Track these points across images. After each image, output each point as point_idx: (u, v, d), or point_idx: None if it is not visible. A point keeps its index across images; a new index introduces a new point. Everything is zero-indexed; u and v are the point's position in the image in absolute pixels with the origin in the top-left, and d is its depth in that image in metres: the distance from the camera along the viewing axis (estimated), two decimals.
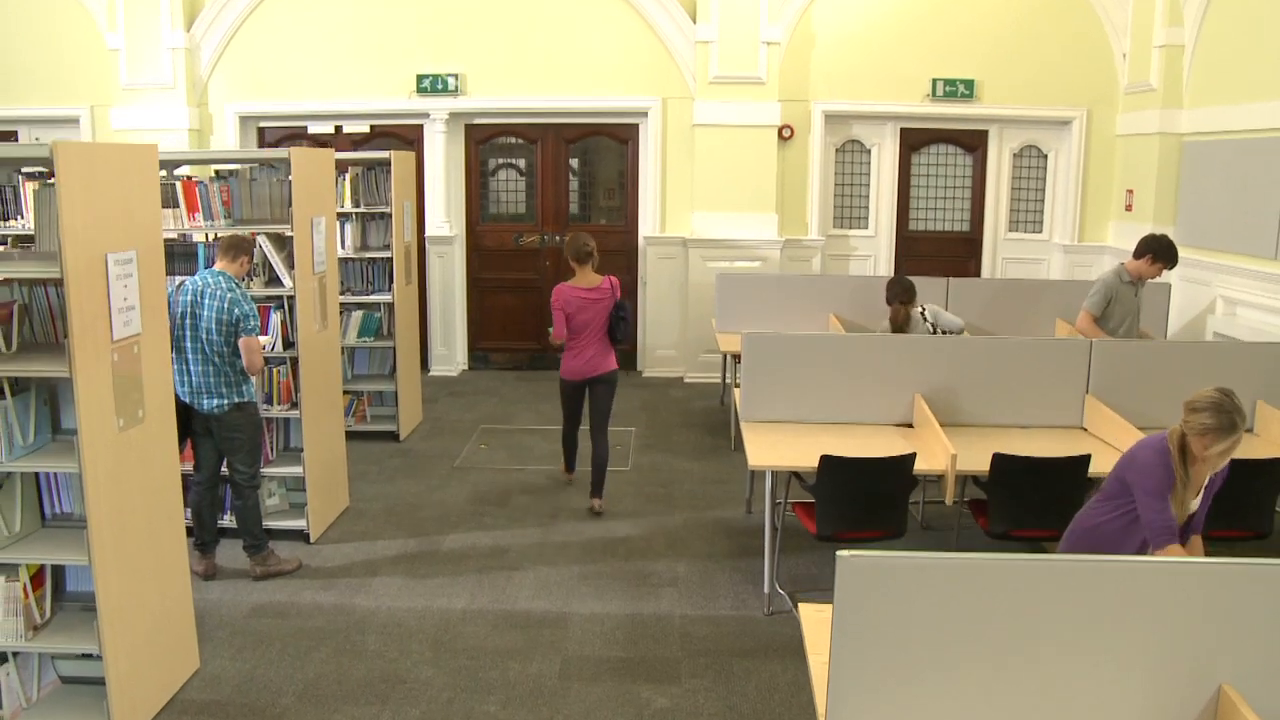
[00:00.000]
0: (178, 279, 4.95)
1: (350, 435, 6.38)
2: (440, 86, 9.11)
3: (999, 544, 4.63)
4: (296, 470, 5.40)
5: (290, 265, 5.27)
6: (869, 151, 9.47)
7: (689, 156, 9.11)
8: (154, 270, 3.70)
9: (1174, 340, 5.74)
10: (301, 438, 5.38)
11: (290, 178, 5.21)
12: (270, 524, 5.30)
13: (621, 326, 5.78)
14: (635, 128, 9.37)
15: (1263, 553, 4.83)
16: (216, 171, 7.28)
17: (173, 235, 5.26)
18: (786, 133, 9.15)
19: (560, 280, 5.98)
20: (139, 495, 3.65)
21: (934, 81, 9.09)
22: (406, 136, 9.49)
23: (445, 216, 9.36)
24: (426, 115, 9.23)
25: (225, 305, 4.62)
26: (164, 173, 5.53)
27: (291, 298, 5.26)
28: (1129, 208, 8.90)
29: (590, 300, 5.73)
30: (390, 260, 7.22)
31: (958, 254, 9.62)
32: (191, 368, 4.68)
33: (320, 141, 9.55)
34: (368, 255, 7.27)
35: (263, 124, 9.47)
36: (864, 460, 4.37)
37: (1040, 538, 4.60)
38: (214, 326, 4.62)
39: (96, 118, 9.31)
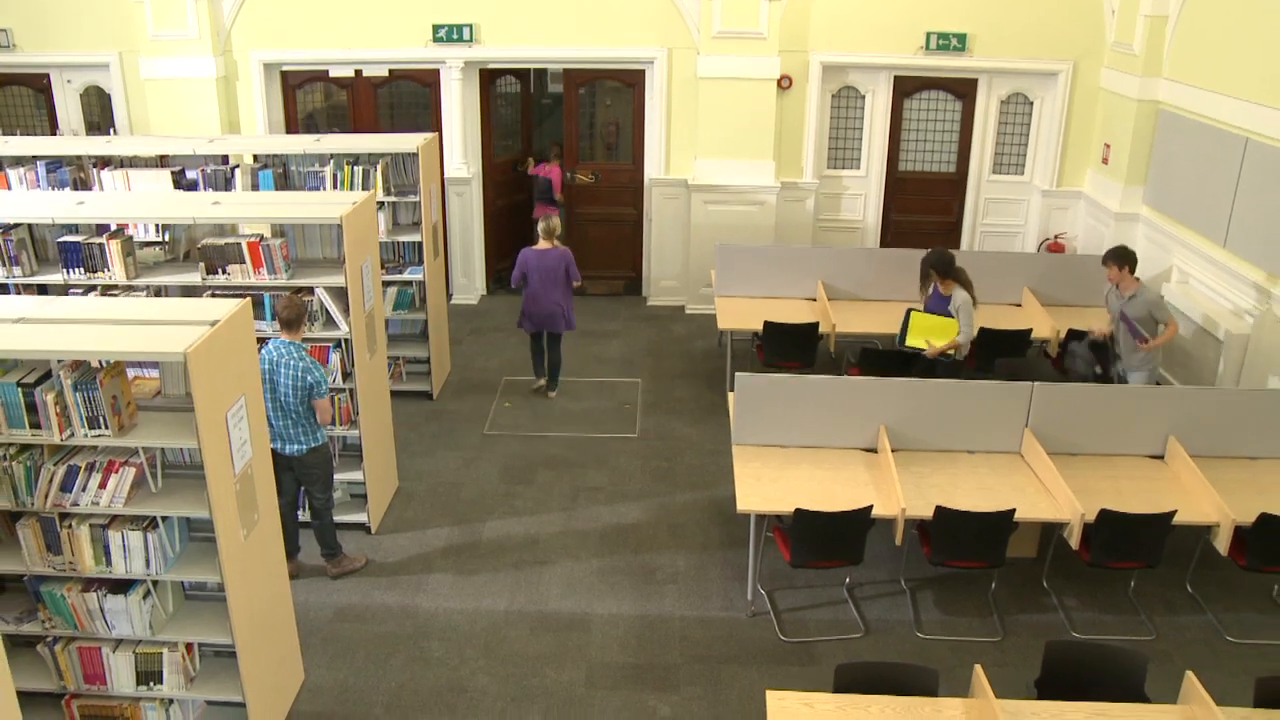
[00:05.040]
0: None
1: (390, 395, 7.22)
2: (455, 36, 9.50)
3: (938, 573, 5.75)
4: (357, 475, 6.43)
5: (344, 309, 6.08)
6: (863, 97, 9.95)
7: (693, 103, 9.62)
8: (256, 402, 4.58)
9: (1094, 386, 6.60)
10: (357, 436, 6.37)
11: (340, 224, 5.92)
12: (336, 517, 6.33)
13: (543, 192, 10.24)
14: (642, 73, 9.81)
15: (1153, 576, 5.92)
16: (255, 157, 7.94)
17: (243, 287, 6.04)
18: (785, 83, 9.62)
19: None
20: (260, 575, 4.68)
21: (928, 35, 9.48)
22: (424, 80, 9.94)
23: (463, 158, 9.95)
24: (443, 63, 9.66)
25: (299, 374, 5.49)
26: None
27: (348, 339, 6.11)
28: (1105, 160, 9.49)
29: (543, 174, 10.13)
30: (419, 241, 7.95)
31: (943, 194, 10.26)
32: (273, 421, 5.60)
33: (341, 84, 10.01)
34: (399, 238, 7.98)
35: (285, 68, 9.89)
36: (830, 514, 5.36)
37: (971, 568, 5.68)
38: (290, 391, 5.51)
39: (126, 64, 9.75)
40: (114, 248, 5.93)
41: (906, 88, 9.90)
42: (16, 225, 5.99)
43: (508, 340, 9.52)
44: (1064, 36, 9.43)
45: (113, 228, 6.07)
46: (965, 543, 5.49)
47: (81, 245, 5.92)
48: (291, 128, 10.09)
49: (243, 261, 5.97)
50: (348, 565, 6.13)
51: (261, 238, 5.97)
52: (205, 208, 6.07)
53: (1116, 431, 6.13)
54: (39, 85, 10.15)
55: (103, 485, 4.21)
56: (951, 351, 6.97)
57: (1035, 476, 5.90)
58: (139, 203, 6.33)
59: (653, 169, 10.00)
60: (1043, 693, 4.39)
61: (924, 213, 10.27)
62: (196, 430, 4.05)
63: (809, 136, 9.87)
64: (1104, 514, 5.37)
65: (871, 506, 5.42)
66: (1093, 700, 4.15)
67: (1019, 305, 8.49)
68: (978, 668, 4.18)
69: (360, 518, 6.53)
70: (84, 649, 4.49)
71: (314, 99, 10.31)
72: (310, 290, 6.04)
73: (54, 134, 10.18)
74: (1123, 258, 6.92)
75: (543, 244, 7.89)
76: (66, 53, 9.81)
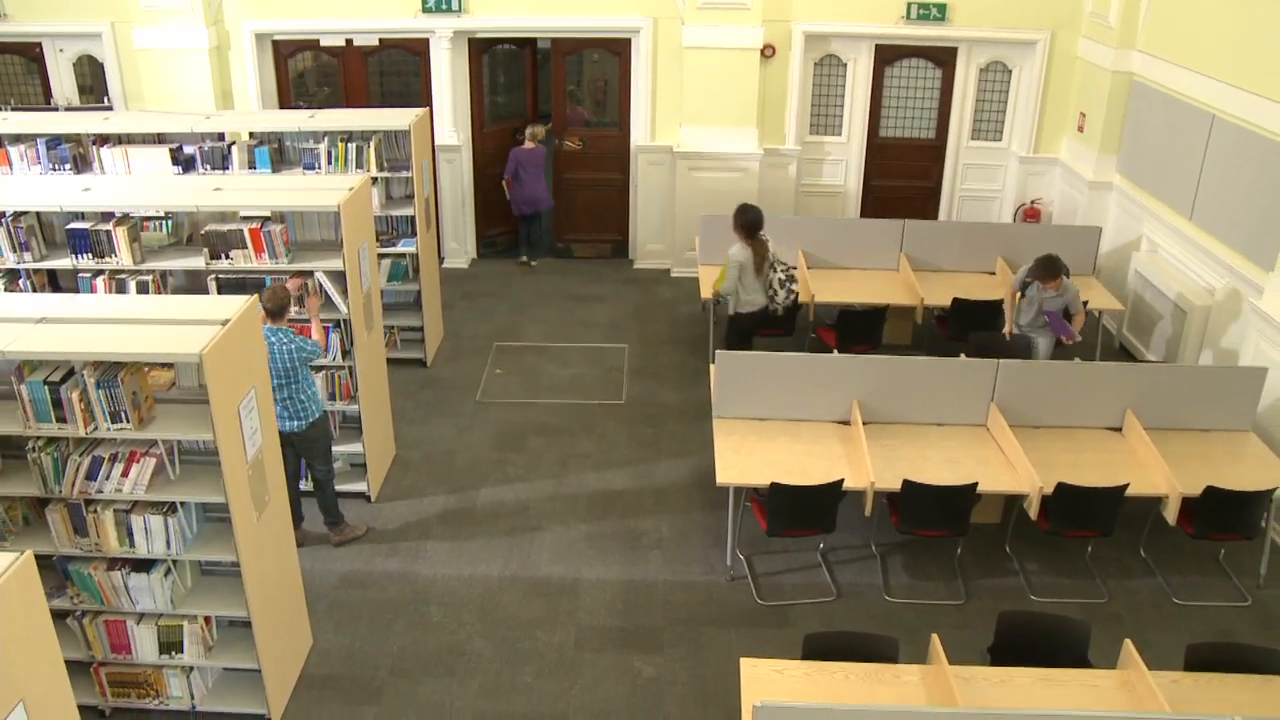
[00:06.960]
0: None
1: (387, 363, 7.49)
2: (445, 6, 9.62)
3: (907, 538, 6.14)
4: (356, 448, 6.75)
5: (343, 290, 6.34)
6: (845, 66, 10.13)
7: (678, 71, 9.80)
8: (264, 393, 4.87)
9: (1056, 363, 6.88)
10: (357, 410, 6.68)
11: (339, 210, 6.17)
12: (337, 486, 6.65)
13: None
14: (628, 41, 9.96)
15: (1109, 541, 6.28)
16: (251, 134, 8.13)
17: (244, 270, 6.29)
18: (769, 52, 9.79)
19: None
20: (271, 551, 5.02)
21: (909, 4, 9.64)
22: (414, 49, 10.07)
23: (452, 126, 10.12)
24: (432, 32, 9.79)
25: (294, 352, 5.78)
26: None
27: (347, 320, 6.39)
28: (1081, 129, 9.72)
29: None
30: (412, 215, 8.18)
31: (923, 160, 10.50)
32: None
33: (332, 53, 10.13)
34: (392, 211, 8.20)
35: (277, 37, 10.00)
36: (803, 487, 5.71)
37: (936, 537, 6.06)
38: (288, 369, 5.79)
39: (118, 34, 9.83)
40: (120, 234, 6.16)
41: (887, 56, 10.07)
42: (25, 212, 6.21)
43: (498, 304, 9.80)
44: (1042, 6, 9.60)
45: (117, 214, 6.29)
46: (930, 514, 5.86)
47: (89, 232, 6.16)
48: (284, 97, 10.23)
49: (245, 247, 6.21)
50: (349, 533, 6.47)
51: (262, 222, 6.21)
52: (208, 195, 6.29)
53: (1078, 405, 6.47)
54: (32, 54, 10.23)
55: (125, 474, 4.53)
56: (720, 299, 7.97)
57: (999, 449, 6.26)
58: (144, 190, 6.54)
59: (639, 135, 10.20)
60: (996, 659, 4.79)
61: (904, 178, 10.52)
62: (212, 423, 4.35)
63: (791, 104, 10.07)
64: (1061, 487, 5.74)
65: (843, 480, 5.78)
66: (1042, 666, 4.54)
67: (993, 274, 8.78)
68: (934, 636, 4.56)
69: (360, 487, 6.86)
70: (110, 622, 4.84)
71: (304, 60, 10.42)
72: (310, 274, 6.30)
73: (48, 102, 10.29)
74: (1051, 270, 7.14)
75: (528, 145, 10.12)
76: (58, 22, 9.89)
